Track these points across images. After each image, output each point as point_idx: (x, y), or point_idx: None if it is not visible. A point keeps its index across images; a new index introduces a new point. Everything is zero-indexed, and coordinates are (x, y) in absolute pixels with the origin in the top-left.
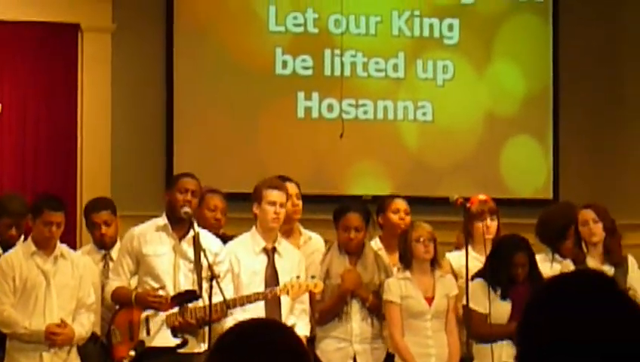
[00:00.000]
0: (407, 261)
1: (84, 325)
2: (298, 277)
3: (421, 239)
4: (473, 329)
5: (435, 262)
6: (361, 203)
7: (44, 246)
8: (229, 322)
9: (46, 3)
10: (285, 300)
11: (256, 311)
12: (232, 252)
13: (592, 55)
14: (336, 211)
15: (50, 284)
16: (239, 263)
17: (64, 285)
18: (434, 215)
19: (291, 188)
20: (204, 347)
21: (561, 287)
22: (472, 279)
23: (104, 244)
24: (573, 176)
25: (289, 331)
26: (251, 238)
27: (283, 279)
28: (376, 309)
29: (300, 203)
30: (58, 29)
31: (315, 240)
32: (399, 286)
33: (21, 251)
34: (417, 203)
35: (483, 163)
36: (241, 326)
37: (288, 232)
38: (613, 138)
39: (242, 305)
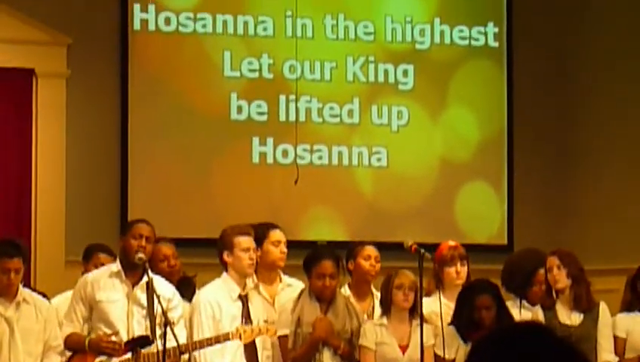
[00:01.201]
0: (386, 307)
1: None
2: (251, 321)
3: (402, 287)
4: None
5: (414, 311)
6: (332, 249)
7: (5, 293)
8: None
9: (1, 48)
10: (261, 346)
11: (237, 356)
12: (213, 298)
13: (546, 101)
14: (308, 258)
15: (14, 331)
16: (221, 309)
17: (29, 330)
18: (389, 260)
19: (281, 235)
20: None
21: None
22: (449, 325)
23: None
24: (527, 222)
25: None
26: (225, 285)
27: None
28: (349, 357)
29: (285, 250)
30: (12, 74)
31: (295, 287)
32: (375, 332)
33: None
34: None
35: (438, 208)
36: None
37: (272, 279)
38: (567, 184)
39: (195, 349)
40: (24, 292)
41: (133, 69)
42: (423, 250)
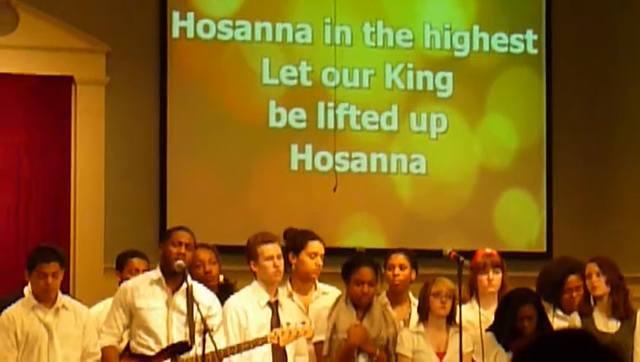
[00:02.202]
0: (423, 314)
1: None
2: (288, 323)
3: (439, 294)
4: None
5: (451, 319)
6: (370, 257)
7: (43, 298)
8: None
9: (39, 56)
10: (291, 352)
11: None
12: (240, 306)
13: (585, 108)
14: (346, 264)
15: (53, 336)
16: (247, 317)
17: (67, 336)
18: (427, 268)
19: (319, 247)
20: None
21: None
22: (487, 331)
23: None
24: (566, 229)
25: None
26: (254, 292)
27: None
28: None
29: (321, 263)
30: (52, 82)
31: (330, 295)
32: (412, 340)
33: (22, 306)
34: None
35: (477, 216)
36: None
37: (306, 289)
38: (607, 190)
39: (232, 354)
40: (63, 298)
41: (171, 76)
42: (462, 258)
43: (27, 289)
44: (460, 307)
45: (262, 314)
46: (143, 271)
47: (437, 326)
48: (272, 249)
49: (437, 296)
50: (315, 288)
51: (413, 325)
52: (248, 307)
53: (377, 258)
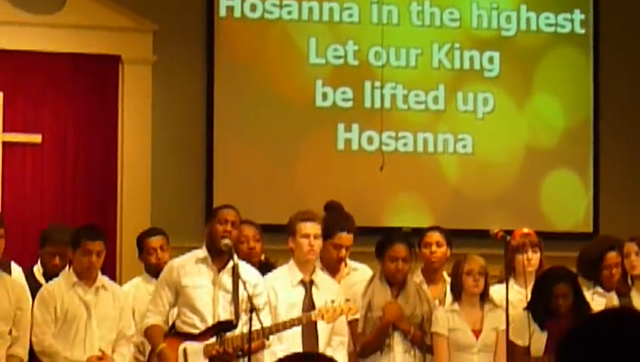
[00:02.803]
0: (456, 293)
1: (124, 356)
2: (333, 301)
3: (472, 272)
4: (513, 361)
5: (485, 296)
6: (405, 234)
7: (86, 276)
8: (267, 356)
9: (87, 35)
10: (323, 331)
11: (294, 342)
12: (269, 285)
13: (632, 87)
14: (380, 242)
15: (92, 315)
16: (276, 296)
17: (105, 316)
18: (474, 248)
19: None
20: None
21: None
22: (523, 310)
23: (158, 271)
24: (613, 209)
25: None
26: (288, 271)
27: None
28: (419, 342)
29: (350, 250)
30: (99, 61)
31: (360, 272)
32: (447, 319)
33: (63, 282)
34: (457, 235)
35: (523, 196)
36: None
37: (336, 270)
38: None
39: (278, 331)
40: (103, 278)
41: (218, 55)
42: (508, 237)
43: (36, 268)
44: (507, 285)
45: (293, 294)
46: (160, 247)
47: (471, 304)
48: (310, 227)
49: (469, 274)
50: (345, 264)
51: (447, 304)
52: (278, 286)
53: (412, 237)
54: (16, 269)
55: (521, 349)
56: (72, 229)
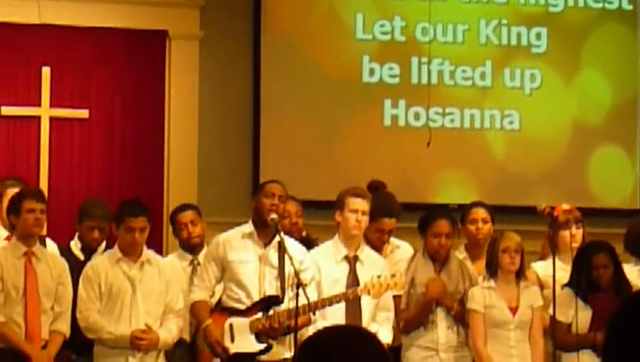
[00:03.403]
0: (492, 270)
1: (172, 330)
2: (379, 276)
3: (508, 250)
4: (556, 338)
5: (520, 273)
6: (447, 210)
7: (130, 252)
8: (310, 330)
9: (134, 10)
10: (366, 307)
11: (337, 318)
12: (313, 260)
13: None
14: (423, 218)
15: (137, 290)
16: (320, 271)
17: (151, 291)
18: (520, 224)
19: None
20: (289, 353)
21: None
22: (562, 288)
23: (191, 246)
24: None
25: (372, 337)
26: (333, 246)
27: None
28: (462, 318)
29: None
30: (146, 36)
31: (402, 249)
32: (483, 296)
33: (107, 258)
34: (504, 212)
35: (570, 172)
36: (324, 333)
37: (380, 249)
38: None
39: (324, 307)
40: (148, 253)
41: (265, 30)
42: (556, 214)
43: (73, 243)
44: (554, 260)
45: (337, 269)
46: (191, 221)
47: (507, 281)
48: (360, 203)
49: (506, 251)
50: (388, 243)
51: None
52: (322, 261)
53: (454, 213)
54: (51, 245)
55: (563, 326)
56: (108, 205)
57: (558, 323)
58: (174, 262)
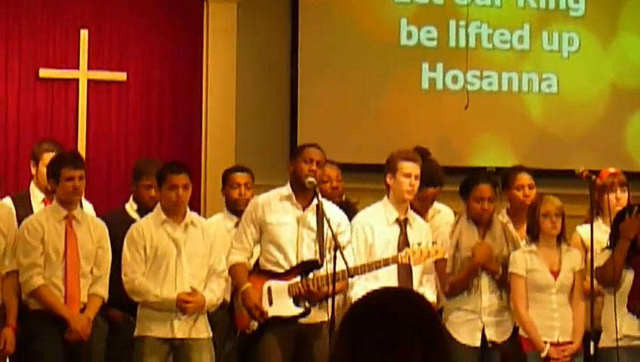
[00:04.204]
0: (534, 234)
1: (215, 292)
2: (419, 244)
3: (549, 214)
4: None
5: (561, 237)
6: (488, 175)
7: (174, 212)
8: (359, 291)
9: None
10: (416, 271)
11: (389, 280)
12: (366, 222)
13: None
14: (464, 182)
15: (181, 252)
16: (373, 233)
17: (195, 253)
18: (559, 187)
19: (434, 192)
20: (326, 316)
21: None
22: (602, 251)
23: (239, 208)
24: None
25: (421, 299)
26: (384, 209)
27: None
28: (506, 282)
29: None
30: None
31: (444, 213)
32: (525, 260)
33: (152, 220)
34: (542, 175)
35: (607, 135)
36: (372, 295)
37: (422, 215)
38: None
39: (363, 272)
40: (192, 215)
41: None
42: (594, 177)
43: (128, 205)
44: (592, 225)
45: (389, 231)
46: (245, 184)
47: (549, 246)
48: (413, 167)
49: (546, 215)
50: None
51: (524, 245)
52: (375, 223)
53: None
54: (86, 206)
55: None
56: (160, 162)
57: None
58: (219, 223)
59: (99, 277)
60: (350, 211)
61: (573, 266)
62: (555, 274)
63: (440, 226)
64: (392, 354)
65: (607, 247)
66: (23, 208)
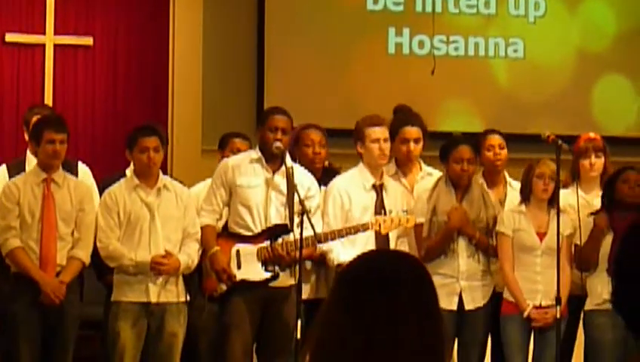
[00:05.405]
0: (525, 195)
1: (190, 255)
2: (390, 211)
3: (543, 176)
4: (577, 264)
5: (553, 201)
6: (467, 138)
7: (146, 175)
8: (341, 253)
9: None
10: (392, 235)
11: (367, 246)
12: (342, 188)
13: None
14: (444, 146)
15: (155, 216)
16: (350, 199)
17: (169, 216)
18: (525, 152)
19: (417, 133)
20: (293, 281)
21: None
22: (588, 216)
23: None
24: None
25: (418, 262)
26: (360, 174)
27: None
28: (483, 246)
29: (421, 144)
30: None
31: (434, 177)
32: (512, 219)
33: (124, 185)
34: (509, 140)
35: (574, 100)
36: (371, 256)
37: (409, 169)
38: None
39: (334, 239)
40: (165, 179)
41: None
42: (560, 141)
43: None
44: (558, 190)
45: (366, 197)
46: (237, 149)
47: (538, 207)
48: (379, 132)
49: (540, 177)
50: (420, 168)
51: (510, 205)
52: (352, 189)
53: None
54: (82, 169)
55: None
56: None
57: (578, 247)
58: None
59: (78, 239)
60: (333, 177)
61: (562, 229)
62: (542, 235)
63: (427, 190)
64: (392, 316)
65: (600, 210)
66: (18, 174)
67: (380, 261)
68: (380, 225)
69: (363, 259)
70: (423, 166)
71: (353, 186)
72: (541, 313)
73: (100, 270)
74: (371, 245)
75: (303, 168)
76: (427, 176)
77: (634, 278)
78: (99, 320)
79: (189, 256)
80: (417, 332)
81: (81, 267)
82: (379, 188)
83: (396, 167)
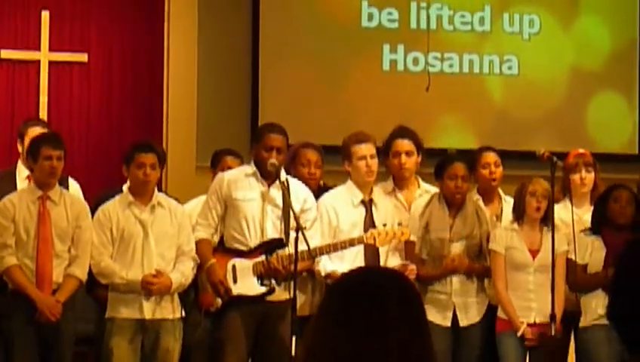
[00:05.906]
0: (518, 213)
1: (184, 273)
2: (385, 225)
3: (535, 194)
4: (570, 280)
5: (546, 219)
6: (462, 155)
7: (141, 192)
8: (327, 264)
9: None
10: (383, 251)
11: (356, 261)
12: (330, 204)
13: None
14: (439, 163)
15: (148, 234)
16: (337, 216)
17: (163, 233)
18: (520, 169)
19: (409, 145)
20: (288, 295)
21: None
22: (580, 233)
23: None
24: None
25: (406, 277)
26: (347, 191)
27: None
28: (480, 273)
29: (418, 159)
30: None
31: (432, 194)
32: (505, 237)
33: (118, 202)
34: (503, 157)
35: (568, 117)
36: (361, 271)
37: (406, 185)
38: None
39: (328, 253)
40: (159, 196)
41: None
42: (555, 158)
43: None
44: (553, 206)
45: (354, 212)
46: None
47: (531, 225)
48: (365, 148)
49: (533, 195)
50: (419, 186)
51: (505, 221)
52: (339, 205)
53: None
54: (73, 185)
55: (581, 267)
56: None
57: (575, 265)
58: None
59: (75, 257)
60: None
61: (555, 247)
62: (535, 253)
63: (417, 208)
64: (381, 327)
65: (589, 229)
66: (8, 184)
67: (369, 276)
68: (374, 239)
69: (353, 274)
70: (422, 183)
71: (340, 202)
72: (535, 331)
73: (89, 283)
74: (360, 260)
75: (299, 181)
76: (425, 193)
77: (630, 291)
78: (89, 336)
79: (182, 273)
80: (406, 342)
81: (78, 285)
82: (368, 204)
83: (393, 184)
